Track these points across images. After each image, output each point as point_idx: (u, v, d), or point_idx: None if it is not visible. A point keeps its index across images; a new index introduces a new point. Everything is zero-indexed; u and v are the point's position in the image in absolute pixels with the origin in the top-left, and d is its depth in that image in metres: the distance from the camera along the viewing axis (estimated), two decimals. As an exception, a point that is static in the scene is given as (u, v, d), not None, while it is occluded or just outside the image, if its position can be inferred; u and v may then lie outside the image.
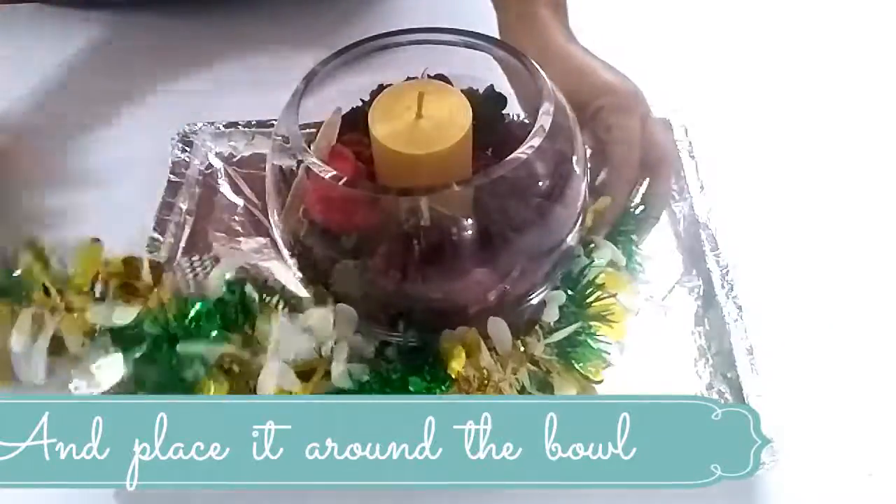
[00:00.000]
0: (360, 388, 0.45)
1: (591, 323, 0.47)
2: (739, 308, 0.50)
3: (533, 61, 0.46)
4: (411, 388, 0.44)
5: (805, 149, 0.63)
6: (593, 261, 0.49)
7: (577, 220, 0.46)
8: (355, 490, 0.46)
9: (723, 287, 0.52)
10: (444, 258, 0.43)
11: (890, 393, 0.49)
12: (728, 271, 0.52)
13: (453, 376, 0.44)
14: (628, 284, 0.49)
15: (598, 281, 0.48)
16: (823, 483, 0.46)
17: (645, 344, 0.50)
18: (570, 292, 0.48)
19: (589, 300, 0.48)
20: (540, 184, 0.44)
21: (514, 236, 0.44)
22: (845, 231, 0.58)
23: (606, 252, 0.50)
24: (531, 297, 0.48)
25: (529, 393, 0.45)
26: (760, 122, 0.65)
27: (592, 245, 0.50)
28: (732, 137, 0.63)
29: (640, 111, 0.51)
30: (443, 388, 0.45)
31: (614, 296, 0.48)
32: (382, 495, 0.46)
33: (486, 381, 0.45)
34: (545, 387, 0.46)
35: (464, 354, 0.45)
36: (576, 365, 0.46)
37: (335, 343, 0.46)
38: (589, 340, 0.47)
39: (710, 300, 0.52)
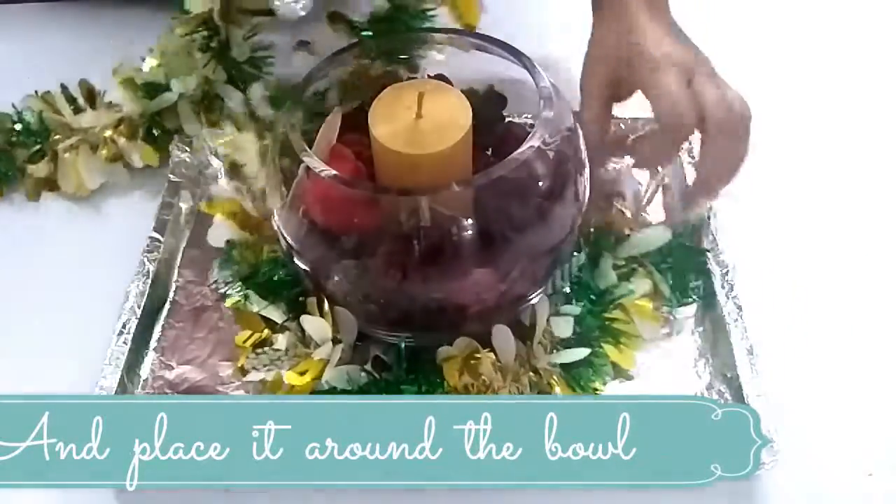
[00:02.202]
0: (359, 391, 0.45)
1: (603, 343, 0.48)
2: (739, 308, 0.50)
3: (533, 61, 0.46)
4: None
5: (805, 148, 0.63)
6: (631, 290, 0.50)
7: (577, 220, 0.47)
8: (355, 490, 0.46)
9: (723, 287, 0.51)
10: (444, 258, 0.43)
11: (890, 393, 0.49)
12: (728, 271, 0.52)
13: (448, 386, 0.45)
14: (653, 315, 0.50)
15: (626, 303, 0.50)
16: (823, 483, 0.46)
17: (645, 344, 0.51)
18: (590, 306, 0.49)
19: (609, 319, 0.49)
20: (540, 184, 0.44)
21: (514, 236, 0.44)
22: (845, 231, 0.58)
23: (646, 283, 0.51)
24: (531, 296, 0.48)
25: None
26: (760, 123, 0.65)
27: (635, 267, 0.51)
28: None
29: (684, 70, 0.49)
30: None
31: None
32: (382, 495, 0.46)
33: (485, 389, 0.46)
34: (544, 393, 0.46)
35: (457, 372, 0.45)
36: (578, 381, 0.47)
37: (334, 345, 0.46)
38: (595, 360, 0.48)
39: (710, 300, 0.52)
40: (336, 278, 0.46)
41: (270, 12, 0.58)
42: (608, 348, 0.48)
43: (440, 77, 0.49)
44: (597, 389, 0.47)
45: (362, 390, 0.46)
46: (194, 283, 0.55)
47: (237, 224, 0.55)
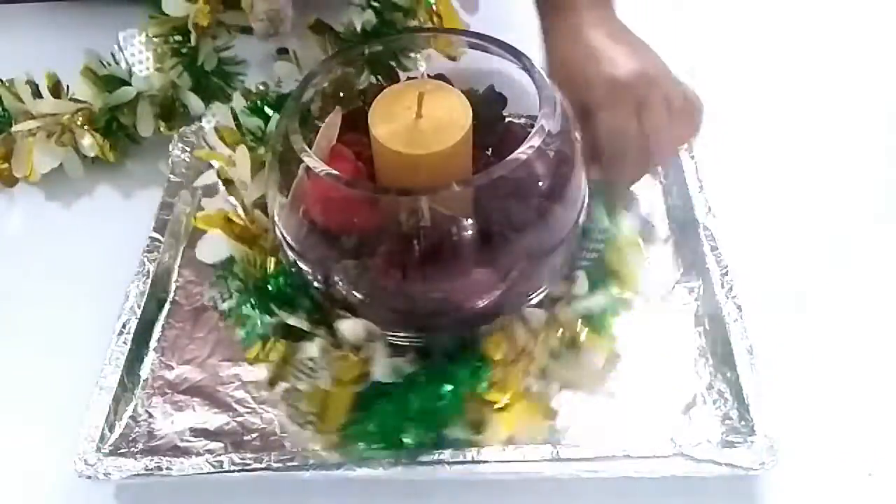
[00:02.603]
0: (406, 380, 0.46)
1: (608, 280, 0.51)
2: (739, 308, 0.50)
3: (533, 61, 0.46)
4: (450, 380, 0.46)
5: (805, 149, 0.63)
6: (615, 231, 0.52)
7: (577, 220, 0.46)
8: (355, 489, 0.46)
9: (723, 287, 0.51)
10: (444, 258, 0.43)
11: (890, 393, 0.49)
12: (728, 271, 0.52)
13: (494, 360, 0.46)
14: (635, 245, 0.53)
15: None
16: (823, 483, 0.46)
17: (645, 344, 0.51)
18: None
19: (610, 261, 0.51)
20: (540, 184, 0.44)
21: (515, 236, 0.44)
22: (845, 231, 0.58)
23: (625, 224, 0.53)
24: (531, 297, 0.48)
25: (559, 359, 0.48)
26: (760, 123, 0.65)
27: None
28: (732, 137, 0.63)
29: (636, 100, 0.50)
30: (484, 372, 0.46)
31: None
32: (382, 494, 0.46)
33: (521, 352, 0.47)
34: (573, 349, 0.48)
35: (498, 346, 0.47)
36: (601, 326, 0.49)
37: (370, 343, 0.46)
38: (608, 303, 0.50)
39: (710, 300, 0.52)
40: (338, 278, 0.46)
41: (249, 29, 0.59)
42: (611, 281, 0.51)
43: (440, 77, 0.49)
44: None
45: (410, 380, 0.46)
46: (194, 283, 0.56)
47: (235, 237, 0.53)
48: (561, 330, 0.48)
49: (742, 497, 0.45)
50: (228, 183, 0.54)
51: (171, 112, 0.63)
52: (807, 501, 0.45)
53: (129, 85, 0.62)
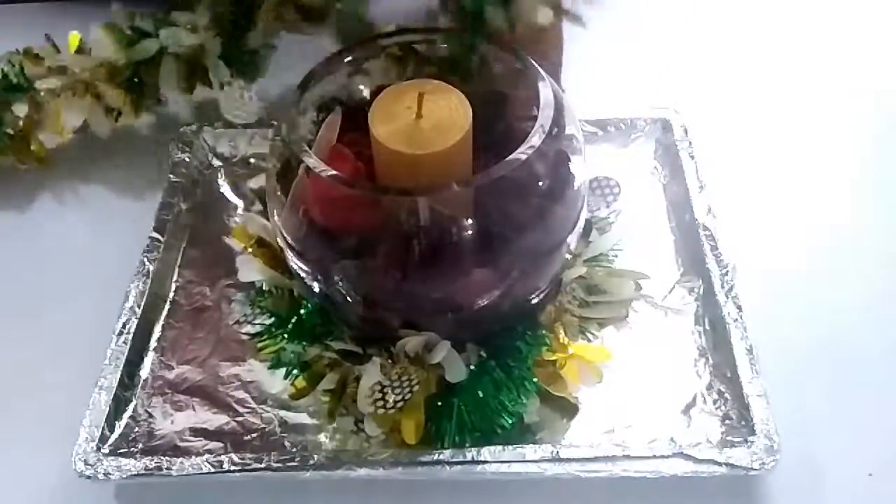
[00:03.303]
0: (477, 367, 0.46)
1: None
2: (739, 308, 0.50)
3: (533, 61, 0.46)
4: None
5: (805, 148, 0.63)
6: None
7: (576, 220, 0.46)
8: (355, 490, 0.46)
9: (723, 287, 0.51)
10: (444, 258, 0.43)
11: (890, 393, 0.49)
12: (728, 271, 0.52)
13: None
14: None
15: None
16: (823, 483, 0.46)
17: (645, 344, 0.51)
18: None
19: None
20: (540, 184, 0.44)
21: (514, 236, 0.44)
22: (845, 231, 0.58)
23: None
24: (532, 297, 0.48)
25: (590, 303, 0.50)
26: (760, 123, 0.65)
27: None
28: (732, 137, 0.63)
29: None
30: (544, 337, 0.48)
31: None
32: (382, 494, 0.46)
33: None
34: (596, 292, 0.51)
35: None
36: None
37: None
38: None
39: (710, 300, 0.52)
40: (338, 278, 0.46)
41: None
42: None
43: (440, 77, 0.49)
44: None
45: (477, 371, 0.46)
46: (194, 283, 0.56)
47: (266, 262, 0.50)
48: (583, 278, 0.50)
49: (742, 497, 0.45)
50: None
51: (193, 75, 0.60)
52: (807, 501, 0.45)
53: (155, 37, 0.59)
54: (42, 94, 0.60)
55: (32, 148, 0.61)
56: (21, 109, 0.60)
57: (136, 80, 0.60)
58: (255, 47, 0.60)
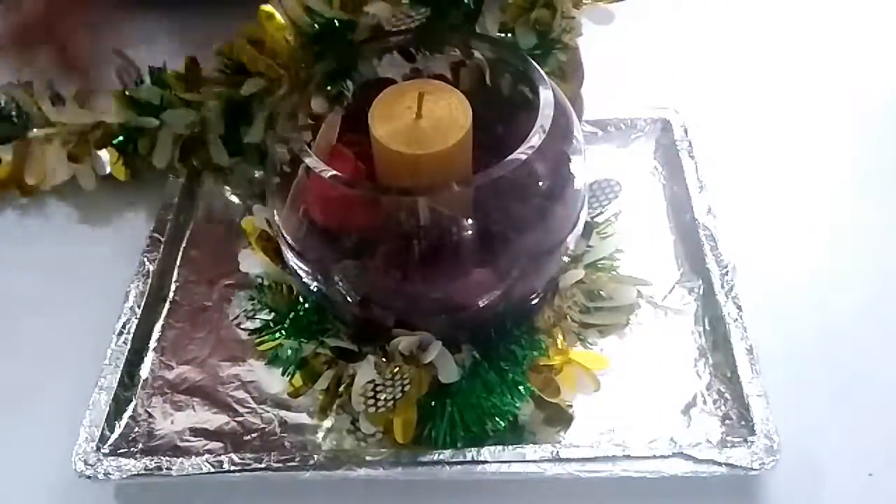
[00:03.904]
0: (471, 369, 0.46)
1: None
2: (739, 308, 0.50)
3: (533, 61, 0.46)
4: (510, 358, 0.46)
5: (805, 148, 0.63)
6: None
7: (576, 220, 0.46)
8: (355, 489, 0.46)
9: (723, 287, 0.51)
10: (444, 258, 0.43)
11: (890, 393, 0.49)
12: (728, 271, 0.52)
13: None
14: None
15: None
16: (823, 483, 0.46)
17: (645, 344, 0.51)
18: None
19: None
20: (540, 184, 0.44)
21: (514, 236, 0.44)
22: (845, 231, 0.58)
23: None
24: (532, 297, 0.48)
25: (590, 309, 0.50)
26: (760, 122, 0.65)
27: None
28: (732, 137, 0.63)
29: None
30: (541, 341, 0.47)
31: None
32: (382, 494, 0.46)
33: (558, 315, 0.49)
34: (597, 298, 0.50)
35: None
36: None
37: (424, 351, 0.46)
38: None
39: (710, 300, 0.52)
40: (338, 278, 0.46)
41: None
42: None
43: (440, 77, 0.49)
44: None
45: (471, 373, 0.46)
46: (194, 283, 0.56)
47: (269, 256, 0.50)
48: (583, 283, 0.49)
49: (742, 497, 0.45)
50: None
51: (191, 148, 0.57)
52: (806, 501, 0.45)
53: (161, 110, 0.56)
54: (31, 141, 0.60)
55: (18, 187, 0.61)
56: (6, 152, 0.60)
57: (129, 144, 0.59)
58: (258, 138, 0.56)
